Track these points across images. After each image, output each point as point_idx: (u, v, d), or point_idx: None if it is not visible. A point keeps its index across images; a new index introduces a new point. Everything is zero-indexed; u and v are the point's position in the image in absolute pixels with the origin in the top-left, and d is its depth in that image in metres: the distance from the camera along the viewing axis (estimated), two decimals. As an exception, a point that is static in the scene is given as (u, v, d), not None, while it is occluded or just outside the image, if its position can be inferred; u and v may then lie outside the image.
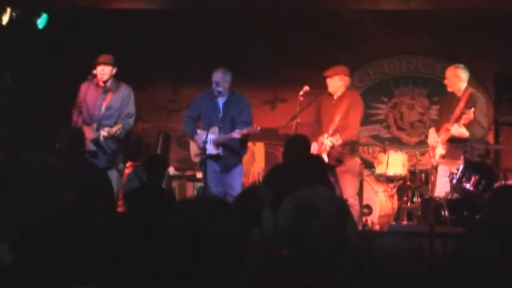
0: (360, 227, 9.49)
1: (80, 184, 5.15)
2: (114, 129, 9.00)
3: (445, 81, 9.51)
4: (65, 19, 11.04)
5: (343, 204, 5.83)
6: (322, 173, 6.58)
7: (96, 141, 9.12)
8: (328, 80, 9.47)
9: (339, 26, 11.79)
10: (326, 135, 9.21)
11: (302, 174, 6.17)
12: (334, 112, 9.38)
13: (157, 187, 7.57)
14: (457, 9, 10.99)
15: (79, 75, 9.66)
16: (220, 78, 9.27)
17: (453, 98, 9.45)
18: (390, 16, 11.49)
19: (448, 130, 9.21)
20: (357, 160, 9.54)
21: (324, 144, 9.15)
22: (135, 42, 11.86)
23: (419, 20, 11.49)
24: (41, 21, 10.25)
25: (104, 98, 9.32)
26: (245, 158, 9.78)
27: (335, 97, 9.47)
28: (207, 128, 9.22)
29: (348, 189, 9.19)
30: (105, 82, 9.32)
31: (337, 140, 9.02)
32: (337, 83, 9.45)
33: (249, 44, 11.83)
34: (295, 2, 10.87)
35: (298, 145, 7.91)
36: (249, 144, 10.07)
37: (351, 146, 9.36)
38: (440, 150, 9.38)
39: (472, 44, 11.37)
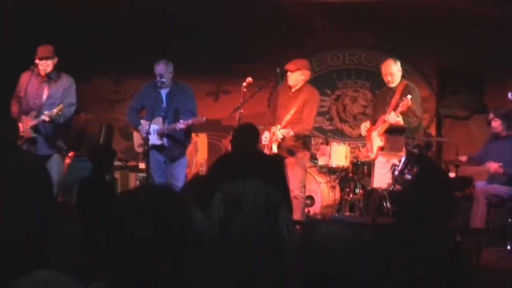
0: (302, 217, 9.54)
1: (16, 173, 5.08)
2: (55, 110, 8.89)
3: (383, 75, 9.60)
4: (8, 10, 10.91)
5: (274, 197, 5.86)
6: (257, 164, 6.54)
7: (35, 128, 9.02)
8: (289, 74, 9.47)
9: (284, 19, 11.82)
10: (278, 126, 9.25)
11: (238, 165, 6.18)
12: (290, 105, 9.40)
13: (101, 179, 7.54)
14: (401, 3, 11.10)
15: (21, 66, 9.53)
16: (163, 69, 9.22)
17: (388, 91, 9.55)
18: (334, 9, 11.55)
19: (385, 121, 9.29)
20: (307, 154, 9.57)
21: (275, 135, 9.20)
22: (79, 32, 11.76)
23: (363, 14, 11.55)
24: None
25: (44, 88, 9.22)
26: (188, 149, 9.74)
27: (293, 90, 9.49)
28: (150, 118, 9.17)
29: (294, 181, 9.21)
30: (45, 73, 9.22)
31: (287, 133, 9.07)
32: (298, 77, 9.46)
33: (193, 36, 11.80)
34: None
35: (247, 134, 7.90)
36: (192, 135, 10.06)
37: (303, 140, 9.40)
38: (378, 142, 9.45)
39: (416, 38, 11.50)
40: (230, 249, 5.62)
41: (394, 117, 9.11)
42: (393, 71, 9.46)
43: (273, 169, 6.82)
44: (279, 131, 9.15)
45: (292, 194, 8.92)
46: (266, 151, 9.15)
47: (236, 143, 7.58)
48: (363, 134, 9.77)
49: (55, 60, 9.23)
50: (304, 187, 9.52)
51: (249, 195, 5.74)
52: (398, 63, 9.54)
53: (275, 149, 9.20)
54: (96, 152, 7.77)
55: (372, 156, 9.56)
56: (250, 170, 6.17)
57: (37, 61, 9.17)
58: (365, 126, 9.67)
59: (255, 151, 7.20)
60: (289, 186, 8.96)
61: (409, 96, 8.96)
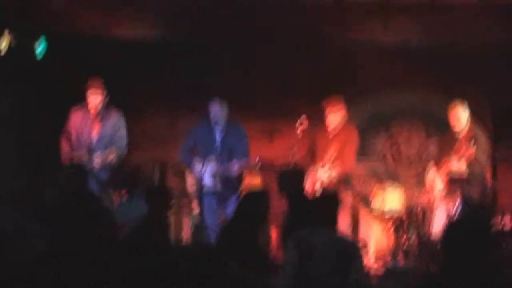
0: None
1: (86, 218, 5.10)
2: (110, 156, 8.93)
3: (449, 117, 9.48)
4: (64, 46, 11.00)
5: (347, 247, 5.84)
6: (331, 212, 6.49)
7: (89, 170, 9.04)
8: (331, 115, 9.42)
9: (339, 59, 11.76)
10: (320, 168, 9.20)
11: (312, 211, 6.15)
12: (330, 146, 9.36)
13: (157, 221, 7.48)
14: (455, 45, 10.99)
15: (76, 102, 9.59)
16: (217, 109, 9.27)
17: (454, 134, 9.43)
18: (389, 50, 11.47)
19: (448, 166, 9.18)
20: (350, 194, 9.50)
21: (318, 177, 9.14)
22: (133, 70, 11.82)
23: (419, 54, 11.46)
24: (41, 50, 10.19)
25: (95, 125, 9.26)
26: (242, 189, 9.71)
27: (330, 130, 9.44)
28: (204, 159, 9.16)
29: (341, 223, 9.14)
30: (96, 108, 9.24)
31: (335, 172, 9.02)
32: (338, 117, 9.43)
33: (247, 75, 11.80)
34: (293, 33, 10.84)
35: (294, 177, 7.88)
36: (246, 172, 10.03)
37: (345, 181, 9.33)
38: (439, 185, 9.35)
39: (471, 80, 11.36)
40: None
41: (457, 164, 8.99)
42: (460, 116, 9.36)
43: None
44: (325, 173, 9.08)
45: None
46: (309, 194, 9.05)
47: (282, 186, 7.56)
48: (429, 179, 9.62)
49: (104, 94, 9.27)
50: (354, 230, 9.46)
51: (319, 244, 5.77)
52: (466, 108, 9.42)
53: (319, 191, 9.14)
54: (152, 194, 7.72)
55: (433, 199, 9.46)
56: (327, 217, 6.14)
57: (86, 94, 9.20)
58: (432, 170, 9.52)
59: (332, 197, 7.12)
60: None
61: (473, 145, 8.85)
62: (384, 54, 11.69)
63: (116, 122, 9.38)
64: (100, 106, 9.28)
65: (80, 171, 7.65)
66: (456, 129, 9.40)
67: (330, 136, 9.47)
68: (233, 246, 6.52)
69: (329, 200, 6.52)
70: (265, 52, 11.74)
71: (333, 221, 6.22)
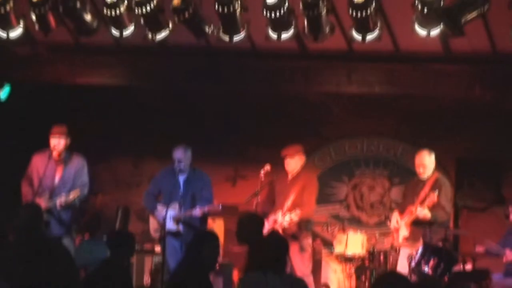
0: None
1: (43, 260, 5.11)
2: (71, 196, 8.94)
3: (416, 166, 9.59)
4: (27, 92, 11.05)
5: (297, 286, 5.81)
6: (281, 255, 6.48)
7: (49, 211, 9.03)
8: (288, 160, 9.55)
9: (302, 107, 11.91)
10: (280, 213, 9.27)
11: (260, 255, 6.12)
12: (289, 191, 9.44)
13: (120, 265, 7.45)
14: (419, 95, 11.14)
15: (39, 147, 9.60)
16: (181, 155, 9.33)
17: (418, 182, 9.53)
18: (353, 99, 11.62)
19: (412, 212, 9.26)
20: (309, 237, 9.58)
21: (278, 222, 9.20)
22: (97, 116, 11.88)
23: (382, 104, 11.61)
24: (3, 93, 10.25)
25: (57, 170, 9.27)
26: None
27: (290, 176, 9.54)
28: (167, 204, 9.19)
29: (301, 267, 9.22)
30: (59, 153, 9.27)
31: (296, 215, 9.07)
32: (296, 162, 9.54)
33: (212, 122, 11.90)
34: (258, 84, 10.93)
35: (252, 225, 7.90)
36: (209, 220, 10.05)
37: (305, 224, 9.41)
38: (404, 232, 9.42)
39: (434, 129, 11.51)
40: None
41: (421, 211, 9.10)
42: (426, 163, 9.48)
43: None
44: (286, 217, 9.15)
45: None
46: None
47: (241, 234, 7.59)
48: (392, 226, 9.69)
49: (68, 140, 9.30)
50: (316, 273, 9.49)
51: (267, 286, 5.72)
52: (432, 155, 9.54)
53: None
54: (115, 237, 7.70)
55: (397, 245, 9.53)
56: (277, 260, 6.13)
57: (50, 139, 9.23)
58: (396, 217, 9.60)
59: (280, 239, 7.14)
60: (297, 272, 8.99)
61: (436, 192, 8.97)
62: (348, 104, 11.84)
63: (79, 166, 9.38)
64: (63, 151, 9.29)
65: (35, 211, 7.62)
66: (422, 176, 9.48)
67: (289, 182, 9.55)
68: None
69: (277, 243, 6.48)
70: (231, 101, 11.86)
71: (282, 263, 6.15)
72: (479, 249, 9.42)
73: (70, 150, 9.39)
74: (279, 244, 6.33)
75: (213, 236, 6.99)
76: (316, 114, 12.03)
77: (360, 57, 10.27)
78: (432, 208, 9.07)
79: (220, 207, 9.21)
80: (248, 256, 6.52)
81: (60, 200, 8.98)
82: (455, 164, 11.68)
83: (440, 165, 10.87)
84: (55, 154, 9.26)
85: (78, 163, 9.40)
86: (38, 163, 9.34)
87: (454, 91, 10.67)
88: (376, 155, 12.13)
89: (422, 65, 10.31)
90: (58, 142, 9.25)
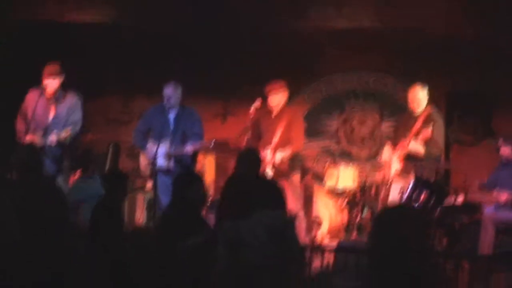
0: (308, 240, 9.51)
1: (38, 200, 5.13)
2: (63, 134, 8.92)
3: (408, 99, 9.57)
4: (18, 31, 10.95)
5: (276, 222, 5.80)
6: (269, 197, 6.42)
7: (42, 148, 9.02)
8: (273, 95, 9.51)
9: (293, 43, 11.81)
10: (269, 150, 9.26)
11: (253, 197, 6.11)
12: (275, 127, 9.43)
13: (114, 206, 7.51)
14: (407, 29, 11.08)
15: (28, 83, 9.55)
16: (171, 92, 9.28)
17: (411, 116, 9.52)
18: (343, 34, 11.53)
19: (405, 146, 9.26)
20: (299, 174, 9.61)
21: (268, 159, 9.20)
22: (87, 53, 11.78)
23: (371, 38, 11.53)
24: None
25: (50, 107, 9.24)
26: (196, 170, 9.72)
27: (274, 112, 9.51)
28: (157, 141, 9.16)
29: (294, 203, 9.24)
30: (52, 92, 9.23)
31: (286, 153, 9.08)
32: (280, 98, 9.53)
33: (200, 59, 11.82)
34: (247, 20, 10.86)
35: (251, 160, 7.89)
36: (200, 156, 10.05)
37: (294, 160, 9.42)
38: (396, 165, 9.44)
39: (425, 62, 11.46)
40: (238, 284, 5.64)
41: (414, 145, 9.09)
42: (420, 98, 9.46)
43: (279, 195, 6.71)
44: (276, 156, 9.15)
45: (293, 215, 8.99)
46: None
47: (240, 169, 7.59)
48: (383, 159, 9.70)
49: (62, 78, 9.26)
50: (308, 208, 9.53)
51: (246, 231, 5.72)
52: (425, 89, 9.51)
53: (270, 172, 9.21)
54: (109, 178, 7.76)
55: (390, 179, 9.54)
56: (257, 197, 6.11)
57: (44, 79, 9.19)
58: (388, 150, 9.61)
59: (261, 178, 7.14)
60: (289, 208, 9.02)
61: (430, 127, 8.95)
62: (338, 38, 11.76)
63: (73, 104, 9.35)
64: (57, 89, 9.25)
65: (32, 150, 7.62)
66: (415, 110, 9.47)
67: (274, 118, 9.53)
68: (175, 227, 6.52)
69: (266, 186, 6.47)
70: (220, 37, 11.76)
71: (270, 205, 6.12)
72: (471, 182, 9.44)
73: (64, 88, 9.36)
74: (268, 187, 6.34)
75: (194, 178, 6.99)
76: (305, 50, 11.95)
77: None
78: (425, 143, 9.08)
79: (212, 144, 9.16)
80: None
81: (52, 138, 8.96)
82: (446, 98, 11.67)
83: (431, 99, 10.88)
84: (48, 92, 9.22)
85: (72, 100, 9.37)
86: (32, 100, 9.31)
87: (444, 24, 10.63)
88: (366, 89, 12.09)
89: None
90: (52, 82, 9.21)
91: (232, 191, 6.55)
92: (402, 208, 4.40)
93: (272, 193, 6.30)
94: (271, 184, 6.57)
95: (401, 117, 10.13)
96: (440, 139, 9.40)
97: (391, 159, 9.51)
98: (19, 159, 7.22)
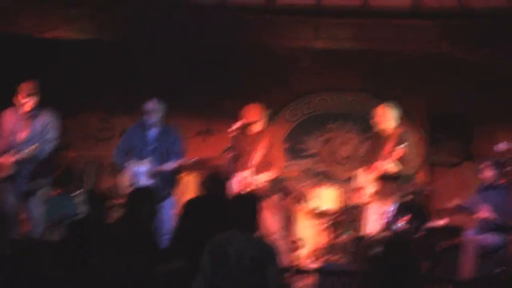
0: (288, 261, 9.47)
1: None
2: (27, 151, 8.84)
3: (374, 120, 9.55)
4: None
5: (263, 253, 5.77)
6: (249, 215, 6.38)
7: (16, 166, 8.96)
8: (253, 125, 9.42)
9: (273, 62, 11.84)
10: (249, 172, 9.22)
11: (229, 214, 6.07)
12: (254, 149, 9.36)
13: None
14: (387, 50, 11.12)
15: (8, 101, 9.47)
16: (153, 107, 9.22)
17: (381, 137, 9.50)
18: (322, 54, 11.56)
19: (378, 167, 9.25)
20: (280, 195, 9.54)
21: (248, 181, 9.14)
22: (67, 70, 11.73)
23: (350, 59, 11.57)
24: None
25: (25, 125, 9.16)
26: (178, 189, 9.68)
27: (251, 133, 9.44)
28: (138, 160, 9.12)
29: (274, 225, 9.20)
30: (27, 110, 9.16)
31: (269, 176, 9.02)
32: (260, 124, 9.45)
33: (182, 76, 11.79)
34: (228, 37, 10.86)
35: (217, 183, 7.85)
36: (182, 175, 10.00)
37: (274, 181, 9.36)
38: (371, 188, 9.40)
39: (404, 83, 11.52)
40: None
41: (388, 165, 9.07)
42: (386, 117, 9.43)
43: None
44: (258, 178, 9.09)
45: (273, 237, 8.94)
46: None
47: (206, 190, 7.57)
48: (357, 184, 9.66)
49: (37, 96, 9.18)
50: (290, 229, 9.48)
51: (233, 250, 5.67)
52: (391, 109, 9.48)
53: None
54: (89, 198, 7.72)
55: (365, 200, 9.51)
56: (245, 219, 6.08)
57: (20, 97, 9.11)
58: (361, 174, 9.58)
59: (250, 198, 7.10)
60: (270, 230, 9.02)
61: (402, 145, 8.94)
62: (317, 58, 11.78)
63: (46, 122, 9.26)
64: (32, 108, 9.18)
65: None
66: (383, 130, 9.47)
67: (253, 138, 9.45)
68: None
69: (246, 202, 6.44)
70: (202, 54, 11.74)
71: (251, 224, 6.10)
72: (451, 205, 9.44)
73: (39, 105, 9.28)
74: (247, 203, 6.31)
75: (149, 194, 6.98)
76: (287, 68, 11.98)
77: (328, 12, 10.20)
78: (398, 162, 9.07)
79: (193, 160, 9.10)
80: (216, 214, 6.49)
81: (20, 155, 8.90)
82: (426, 119, 11.71)
83: (409, 119, 10.91)
84: (23, 111, 9.15)
85: (46, 118, 9.28)
86: (7, 120, 9.23)
87: (422, 46, 10.70)
88: (347, 110, 12.12)
89: (390, 20, 10.28)
90: (27, 100, 9.13)
91: (196, 211, 6.58)
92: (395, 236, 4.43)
93: (243, 211, 6.26)
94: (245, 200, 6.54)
95: (373, 138, 10.10)
96: (414, 158, 9.37)
97: (366, 182, 9.48)
98: None
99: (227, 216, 6.11)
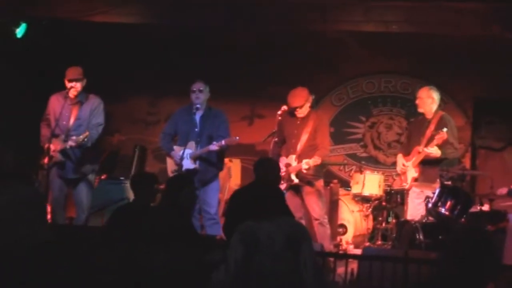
0: (332, 247, 9.47)
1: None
2: (81, 137, 8.91)
3: (417, 101, 9.48)
4: (44, 29, 10.99)
5: (296, 233, 5.77)
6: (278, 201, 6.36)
7: (63, 151, 9.06)
8: (299, 110, 9.34)
9: (320, 46, 11.81)
10: (294, 157, 9.19)
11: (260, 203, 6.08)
12: (300, 133, 9.30)
13: (144, 207, 7.46)
14: (437, 34, 11.01)
15: (57, 86, 9.59)
16: (201, 86, 9.23)
17: (423, 121, 9.42)
18: (371, 37, 11.50)
19: (419, 152, 9.19)
20: (322, 181, 9.49)
21: (293, 166, 9.12)
22: (115, 55, 11.82)
23: (400, 42, 11.50)
24: (20, 30, 10.22)
25: (73, 110, 9.26)
26: (222, 174, 9.70)
27: (298, 117, 9.37)
28: (184, 144, 9.16)
29: (317, 209, 9.17)
30: (74, 95, 9.26)
31: (315, 161, 8.97)
32: (306, 108, 9.37)
33: (229, 61, 11.82)
34: (276, 22, 10.84)
35: (268, 168, 7.80)
36: (226, 160, 10.04)
37: (319, 168, 9.30)
38: (413, 173, 9.34)
39: (452, 67, 11.41)
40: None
41: (431, 149, 8.99)
42: (427, 101, 9.36)
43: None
44: (303, 164, 9.02)
45: (317, 222, 8.93)
46: (283, 182, 9.00)
47: (258, 177, 7.55)
48: (398, 170, 9.62)
49: (84, 82, 9.28)
50: (333, 214, 9.46)
51: (265, 235, 5.68)
52: (434, 92, 9.41)
53: (295, 179, 9.13)
54: (138, 181, 7.68)
55: (407, 186, 9.46)
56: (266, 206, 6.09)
57: (66, 83, 9.22)
58: (401, 159, 9.52)
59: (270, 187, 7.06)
60: (314, 215, 9.01)
61: (445, 130, 8.87)
62: (365, 41, 11.74)
63: (95, 107, 9.35)
64: (79, 93, 9.28)
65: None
66: (426, 115, 9.40)
67: (298, 123, 9.39)
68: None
69: (275, 189, 6.43)
70: (249, 39, 11.77)
71: (277, 207, 6.08)
72: (502, 191, 9.33)
73: (86, 90, 9.38)
74: (271, 188, 6.31)
75: (189, 181, 6.99)
76: (333, 52, 11.95)
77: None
78: (441, 146, 9.00)
79: (237, 139, 9.06)
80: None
81: (70, 142, 8.99)
82: (473, 103, 11.62)
83: (457, 104, 10.83)
84: (71, 95, 9.26)
85: (94, 103, 9.38)
86: (54, 104, 9.34)
87: (473, 29, 10.56)
88: (394, 94, 12.07)
89: (441, 3, 10.18)
90: (74, 85, 9.23)
91: (244, 199, 6.57)
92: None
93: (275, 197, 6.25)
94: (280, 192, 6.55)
95: (413, 122, 10.02)
96: (455, 141, 9.28)
97: (406, 168, 9.42)
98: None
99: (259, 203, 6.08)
